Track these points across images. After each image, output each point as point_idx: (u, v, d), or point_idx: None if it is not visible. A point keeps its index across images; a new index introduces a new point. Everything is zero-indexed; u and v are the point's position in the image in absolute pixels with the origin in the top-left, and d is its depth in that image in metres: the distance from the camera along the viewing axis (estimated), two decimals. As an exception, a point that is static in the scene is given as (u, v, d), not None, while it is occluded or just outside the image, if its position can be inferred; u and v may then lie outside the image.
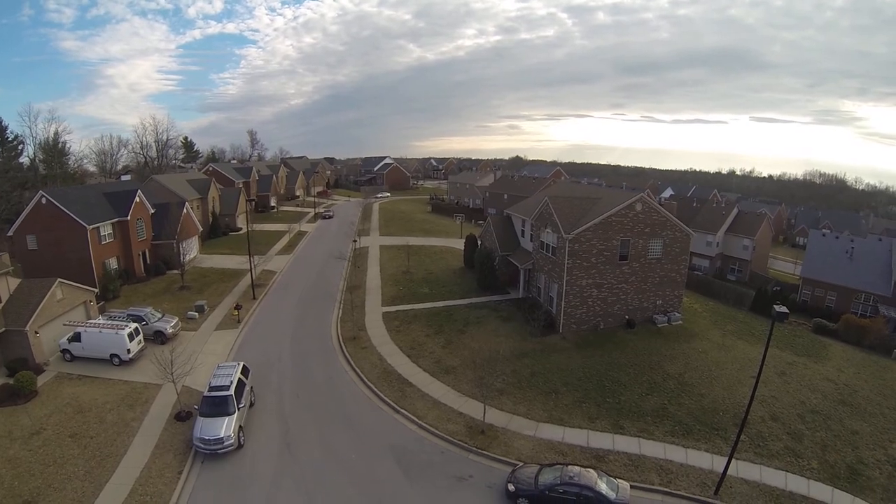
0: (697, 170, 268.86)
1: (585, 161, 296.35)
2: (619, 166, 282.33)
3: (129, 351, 29.86)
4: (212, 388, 23.80)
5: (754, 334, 36.96)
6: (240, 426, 23.01)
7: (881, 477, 21.84)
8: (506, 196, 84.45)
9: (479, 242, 50.11)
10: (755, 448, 23.22)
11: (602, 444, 23.30)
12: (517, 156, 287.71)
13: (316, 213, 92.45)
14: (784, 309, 18.28)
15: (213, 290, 45.20)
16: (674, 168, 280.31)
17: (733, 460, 20.80)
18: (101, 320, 32.22)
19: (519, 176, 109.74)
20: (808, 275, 52.91)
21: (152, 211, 51.03)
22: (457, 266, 52.93)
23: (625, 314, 35.95)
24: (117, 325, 30.42)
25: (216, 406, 22.90)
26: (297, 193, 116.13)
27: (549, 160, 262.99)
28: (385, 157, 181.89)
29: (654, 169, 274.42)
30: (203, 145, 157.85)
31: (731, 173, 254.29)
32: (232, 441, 22.02)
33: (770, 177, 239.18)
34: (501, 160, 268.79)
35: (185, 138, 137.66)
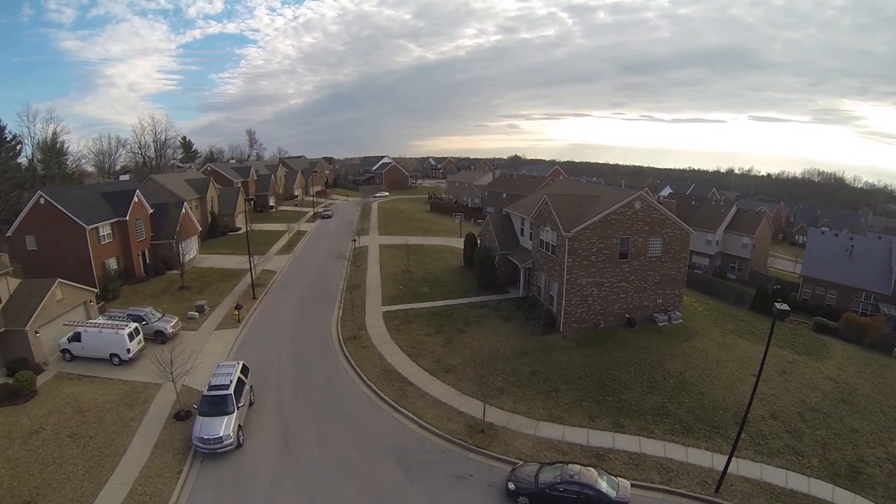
0: (696, 169, 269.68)
1: (584, 160, 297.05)
2: (617, 165, 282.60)
3: (128, 351, 29.82)
4: (211, 388, 23.75)
5: (755, 333, 36.95)
6: (239, 425, 22.97)
7: (882, 475, 21.82)
8: (505, 195, 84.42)
9: (479, 241, 50.07)
10: (755, 446, 23.20)
11: (602, 443, 23.27)
12: (516, 155, 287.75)
13: (315, 213, 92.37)
14: (785, 306, 18.26)
15: (213, 289, 45.14)
16: (673, 167, 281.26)
17: (734, 458, 20.78)
18: (100, 320, 32.16)
19: (518, 175, 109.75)
20: (808, 273, 52.93)
21: (151, 211, 50.95)
22: (456, 265, 52.89)
23: (625, 313, 35.93)
24: (117, 325, 30.38)
25: (215, 405, 22.85)
26: (296, 193, 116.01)
27: (547, 159, 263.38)
28: (384, 157, 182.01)
29: (653, 168, 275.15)
30: (202, 145, 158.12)
31: (730, 172, 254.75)
32: (231, 440, 21.98)
33: (769, 175, 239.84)
34: (500, 159, 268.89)
35: (184, 138, 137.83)
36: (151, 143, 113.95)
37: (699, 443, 23.39)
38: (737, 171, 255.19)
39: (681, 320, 37.18)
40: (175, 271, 46.60)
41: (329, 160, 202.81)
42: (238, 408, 23.20)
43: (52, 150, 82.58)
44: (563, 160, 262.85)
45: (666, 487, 20.60)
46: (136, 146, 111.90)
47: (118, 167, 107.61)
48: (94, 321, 31.83)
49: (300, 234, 73.00)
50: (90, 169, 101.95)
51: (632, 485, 20.10)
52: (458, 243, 58.78)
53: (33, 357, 28.85)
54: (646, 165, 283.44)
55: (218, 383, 23.95)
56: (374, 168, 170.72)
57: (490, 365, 24.66)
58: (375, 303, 41.84)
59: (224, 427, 21.99)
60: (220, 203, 75.58)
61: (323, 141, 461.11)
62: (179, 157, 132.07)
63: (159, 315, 34.83)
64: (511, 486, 19.70)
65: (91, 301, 35.04)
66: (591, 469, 19.97)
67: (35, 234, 41.78)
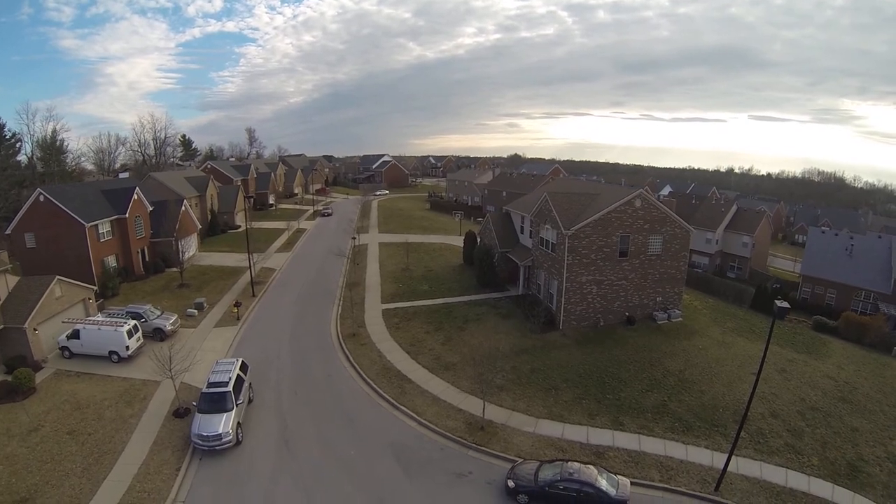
0: (696, 168, 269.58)
1: (584, 159, 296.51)
2: (617, 164, 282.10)
3: (127, 348, 29.78)
4: (210, 385, 23.71)
5: (754, 331, 36.93)
6: (238, 423, 22.93)
7: (881, 474, 21.80)
8: (504, 193, 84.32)
9: (479, 239, 50.02)
10: (755, 445, 23.17)
11: (602, 441, 23.23)
12: (516, 154, 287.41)
13: (315, 211, 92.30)
14: (785, 304, 18.24)
15: (213, 287, 45.09)
16: (672, 166, 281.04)
17: (734, 457, 20.76)
18: (99, 318, 32.12)
19: (518, 173, 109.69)
20: (807, 272, 52.91)
21: (150, 208, 50.85)
22: (456, 263, 52.85)
23: (625, 311, 35.89)
24: (116, 323, 30.32)
25: (214, 402, 22.81)
26: (296, 191, 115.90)
27: (547, 158, 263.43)
28: (384, 155, 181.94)
29: (653, 167, 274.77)
30: (202, 143, 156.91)
31: (730, 171, 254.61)
32: (230, 437, 21.94)
33: (769, 175, 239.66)
34: (500, 158, 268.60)
35: (184, 136, 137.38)
36: (151, 142, 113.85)
37: (699, 441, 23.36)
38: (737, 171, 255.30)
39: (680, 318, 37.14)
40: (174, 269, 46.57)
41: (329, 158, 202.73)
42: (237, 405, 23.15)
43: (52, 148, 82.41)
44: (562, 159, 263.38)
45: (666, 485, 20.56)
46: (136, 144, 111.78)
47: (118, 165, 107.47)
48: (93, 318, 31.78)
49: (300, 232, 72.95)
50: (90, 167, 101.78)
51: (631, 483, 20.06)
52: (458, 241, 58.75)
53: (32, 354, 28.81)
54: (646, 164, 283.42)
55: (217, 380, 23.90)
56: (374, 166, 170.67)
57: (489, 362, 24.61)
58: (375, 300, 41.80)
59: (223, 424, 21.95)
60: (220, 201, 75.52)
61: (323, 139, 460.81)
62: (179, 155, 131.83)
63: (158, 312, 34.80)
64: (511, 483, 19.66)
65: (90, 298, 35.00)
66: (591, 467, 19.92)
67: (34, 231, 41.70)
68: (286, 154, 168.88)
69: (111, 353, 29.78)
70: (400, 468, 21.40)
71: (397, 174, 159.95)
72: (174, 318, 34.87)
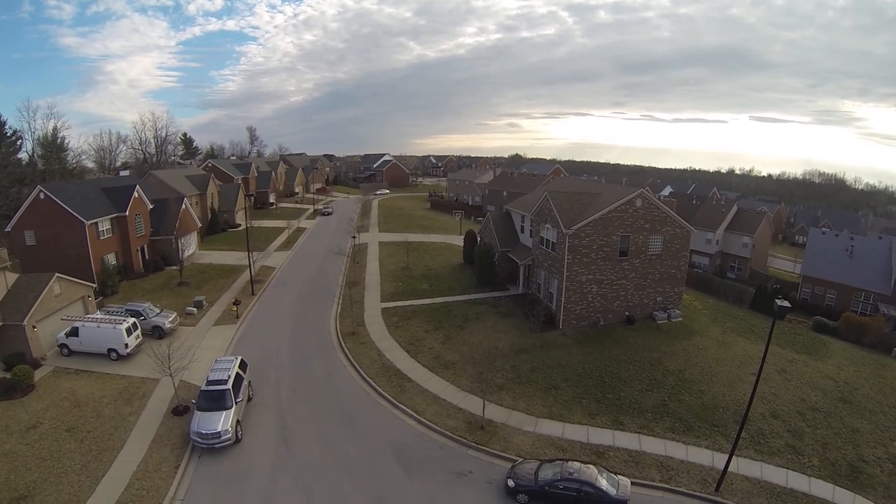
0: (697, 168, 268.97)
1: (585, 159, 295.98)
2: (618, 164, 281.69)
3: (126, 346, 29.73)
4: (209, 383, 23.66)
5: (754, 332, 36.88)
6: (237, 421, 22.90)
7: (882, 475, 21.75)
8: (505, 193, 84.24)
9: (479, 239, 49.95)
10: (756, 445, 23.12)
11: (602, 441, 23.18)
12: (516, 154, 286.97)
13: (315, 210, 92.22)
14: (786, 303, 18.19)
15: (212, 285, 45.03)
16: (673, 167, 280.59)
17: (734, 457, 20.70)
18: (99, 315, 32.06)
19: (518, 173, 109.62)
20: (808, 273, 52.88)
21: (151, 206, 50.77)
22: (456, 262, 52.78)
23: (625, 310, 35.84)
24: (115, 320, 30.27)
25: (214, 400, 22.77)
26: (296, 190, 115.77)
27: (548, 158, 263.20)
28: (384, 155, 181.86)
29: (654, 167, 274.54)
30: (203, 142, 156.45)
31: (731, 172, 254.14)
32: (229, 435, 21.89)
33: (769, 176, 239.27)
34: (501, 158, 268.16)
35: (184, 135, 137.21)
36: (152, 140, 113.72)
37: (699, 441, 23.31)
38: (737, 172, 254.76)
39: (680, 318, 37.09)
40: (174, 267, 46.53)
41: (330, 157, 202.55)
42: (236, 403, 23.11)
43: (53, 146, 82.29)
44: (563, 159, 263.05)
45: (666, 486, 20.51)
46: (137, 142, 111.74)
47: (119, 163, 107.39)
48: (92, 316, 31.73)
49: (300, 230, 72.88)
50: (90, 165, 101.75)
51: (632, 483, 20.01)
52: (458, 241, 58.69)
53: (31, 352, 28.74)
54: (646, 165, 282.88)
55: (216, 378, 23.85)
56: (374, 166, 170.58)
57: (489, 361, 24.56)
58: (374, 299, 41.74)
59: (222, 422, 21.90)
60: (221, 199, 75.40)
61: (324, 138, 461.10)
62: (180, 153, 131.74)
63: (157, 310, 34.74)
64: (511, 483, 19.61)
65: (89, 296, 34.94)
66: (591, 466, 19.87)
67: (34, 229, 41.60)
68: (287, 153, 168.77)
69: (110, 350, 29.72)
70: (400, 467, 21.34)
71: (398, 173, 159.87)
72: (173, 316, 34.81)
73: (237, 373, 24.73)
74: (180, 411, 24.55)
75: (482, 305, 39.27)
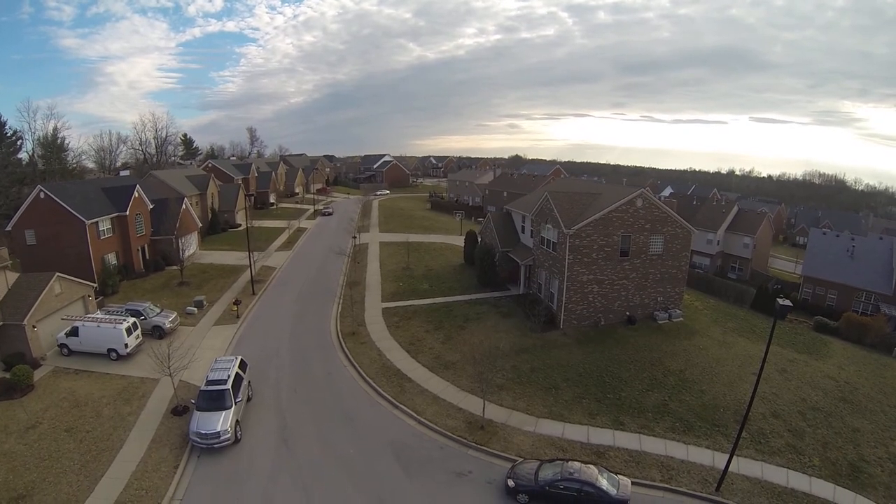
0: (697, 169, 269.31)
1: (585, 160, 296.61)
2: (618, 165, 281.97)
3: (126, 345, 29.69)
4: (209, 382, 23.62)
5: (755, 332, 36.82)
6: (237, 421, 22.86)
7: (883, 474, 21.69)
8: (505, 193, 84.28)
9: (479, 239, 49.92)
10: (756, 445, 23.06)
11: (602, 440, 23.13)
12: (517, 155, 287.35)
13: (315, 210, 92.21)
14: (787, 302, 18.16)
15: (212, 285, 45.00)
16: (673, 168, 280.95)
17: (735, 457, 20.64)
18: (99, 315, 32.03)
19: (519, 174, 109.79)
20: (809, 273, 52.85)
21: (151, 206, 50.77)
22: (457, 262, 52.75)
23: (625, 310, 35.78)
24: (115, 320, 30.24)
25: (213, 400, 22.72)
26: (297, 191, 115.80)
27: (548, 159, 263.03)
28: (385, 155, 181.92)
29: (654, 168, 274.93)
30: (203, 143, 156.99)
31: (731, 173, 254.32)
32: (229, 435, 21.85)
33: (769, 177, 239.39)
34: (501, 159, 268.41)
35: (185, 135, 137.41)
36: (152, 140, 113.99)
37: (700, 441, 23.25)
38: (738, 173, 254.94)
39: (681, 318, 37.03)
40: (174, 267, 46.51)
41: (330, 158, 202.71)
42: (236, 403, 23.07)
43: (53, 146, 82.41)
44: (563, 160, 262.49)
45: (666, 485, 20.46)
46: (137, 143, 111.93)
47: (119, 164, 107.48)
48: (92, 316, 31.70)
49: (300, 230, 72.88)
50: (91, 165, 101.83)
51: (632, 482, 19.96)
52: (459, 241, 58.67)
53: (31, 351, 28.71)
54: (646, 166, 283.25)
55: (215, 378, 23.81)
56: (375, 166, 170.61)
57: (490, 361, 24.51)
58: (375, 299, 41.70)
59: (221, 422, 21.85)
60: (221, 199, 75.40)
61: (324, 139, 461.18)
62: (180, 154, 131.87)
63: (157, 310, 34.71)
64: (511, 483, 19.56)
65: (90, 296, 34.92)
66: (592, 466, 19.82)
67: (34, 228, 41.62)
68: (287, 153, 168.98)
69: (110, 350, 29.68)
70: (399, 467, 21.30)
71: (398, 174, 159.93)
72: (173, 316, 34.78)
73: (237, 373, 24.69)
74: (180, 411, 24.51)
75: (483, 305, 39.22)
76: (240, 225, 71.94)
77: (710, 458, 22.08)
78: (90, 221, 41.69)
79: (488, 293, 41.91)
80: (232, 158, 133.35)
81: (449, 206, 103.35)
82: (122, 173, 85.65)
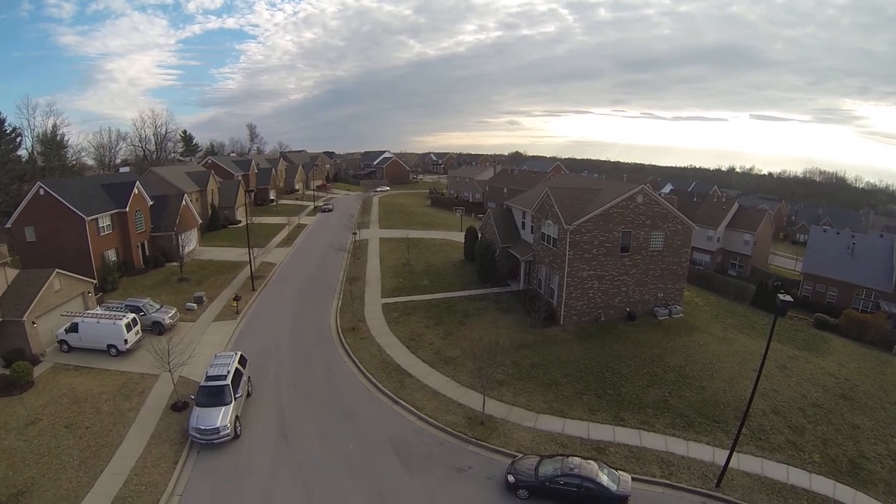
0: (697, 166, 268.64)
1: (585, 157, 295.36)
2: (619, 162, 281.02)
3: (126, 341, 29.64)
4: (208, 378, 23.57)
5: (755, 328, 36.80)
6: (236, 416, 22.83)
7: (883, 471, 21.69)
8: (506, 190, 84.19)
9: (480, 235, 49.84)
10: (756, 441, 23.06)
11: (603, 436, 23.12)
12: (517, 151, 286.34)
13: (315, 207, 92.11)
14: (788, 298, 18.13)
15: (212, 281, 44.96)
16: (674, 165, 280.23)
17: (735, 453, 20.64)
18: (98, 311, 31.99)
19: (519, 170, 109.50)
20: (809, 270, 52.80)
21: (151, 203, 50.71)
22: (457, 258, 52.70)
23: (626, 306, 35.76)
24: (115, 316, 30.19)
25: (213, 396, 22.68)
26: (297, 187, 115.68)
27: (549, 156, 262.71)
28: (385, 152, 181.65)
29: (654, 165, 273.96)
30: (203, 139, 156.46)
31: (731, 170, 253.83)
32: (228, 431, 21.82)
33: (770, 174, 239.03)
34: (501, 156, 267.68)
35: (184, 132, 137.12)
36: (152, 137, 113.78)
37: (700, 437, 23.24)
38: (738, 170, 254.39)
39: (681, 315, 37.01)
40: (174, 263, 46.44)
41: (330, 155, 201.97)
42: (235, 398, 23.04)
43: (52, 143, 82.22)
44: (564, 157, 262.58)
45: (667, 481, 20.45)
46: (137, 139, 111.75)
47: (118, 160, 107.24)
48: (92, 312, 31.66)
49: (300, 227, 72.79)
50: (90, 162, 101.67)
51: (632, 478, 19.94)
52: (459, 237, 58.60)
53: (30, 347, 28.67)
54: (647, 163, 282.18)
55: (215, 374, 23.77)
56: (375, 163, 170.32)
57: (490, 357, 24.48)
58: (375, 295, 41.67)
59: (221, 418, 21.83)
60: (221, 196, 75.30)
61: (324, 136, 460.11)
62: (180, 150, 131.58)
63: (157, 306, 34.67)
64: (511, 478, 19.54)
65: (89, 292, 34.89)
66: (592, 462, 19.81)
67: (34, 225, 41.53)
68: (287, 150, 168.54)
69: (110, 346, 29.66)
70: (399, 463, 21.29)
71: (398, 171, 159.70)
72: (173, 312, 34.74)
73: (237, 368, 24.64)
74: (179, 407, 24.49)
75: (483, 301, 39.19)
76: (240, 221, 71.89)
77: (710, 454, 22.07)
78: (90, 218, 41.60)
79: (488, 289, 41.88)
80: (232, 155, 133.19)
81: (449, 203, 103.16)
82: (122, 170, 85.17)
